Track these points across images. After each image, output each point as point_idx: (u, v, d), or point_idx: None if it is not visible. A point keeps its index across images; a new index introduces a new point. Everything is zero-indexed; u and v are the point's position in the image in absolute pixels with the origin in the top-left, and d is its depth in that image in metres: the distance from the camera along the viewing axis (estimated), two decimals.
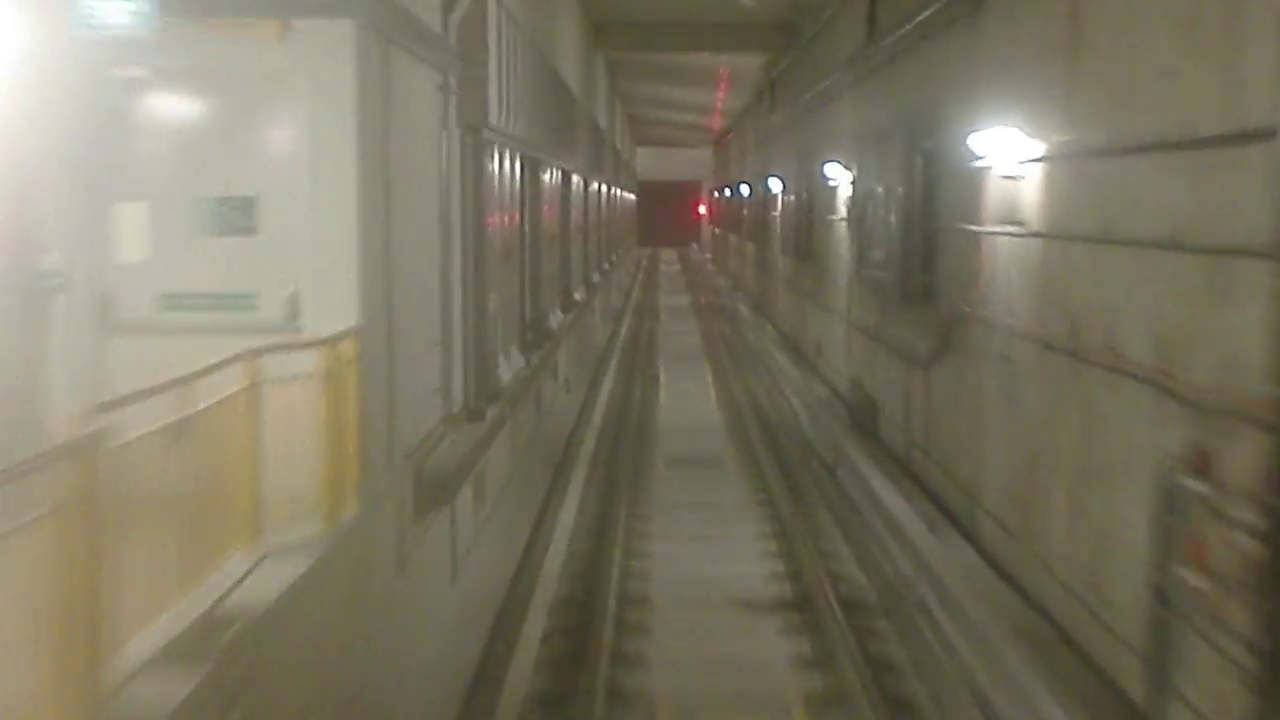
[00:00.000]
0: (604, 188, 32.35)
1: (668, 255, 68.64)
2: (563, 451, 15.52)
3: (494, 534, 11.09)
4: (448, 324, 9.45)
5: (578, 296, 22.11)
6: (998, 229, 10.34)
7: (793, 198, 25.83)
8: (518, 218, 13.49)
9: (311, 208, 6.79)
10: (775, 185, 29.75)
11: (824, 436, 16.54)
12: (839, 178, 19.44)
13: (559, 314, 18.44)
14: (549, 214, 17.22)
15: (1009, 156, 9.89)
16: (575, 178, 21.82)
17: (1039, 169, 9.29)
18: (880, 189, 15.06)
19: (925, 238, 13.01)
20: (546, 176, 16.61)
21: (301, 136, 6.78)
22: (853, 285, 17.87)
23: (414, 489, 7.96)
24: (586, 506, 12.66)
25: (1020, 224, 9.73)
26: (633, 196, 56.02)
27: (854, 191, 18.05)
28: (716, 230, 62.16)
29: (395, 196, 7.63)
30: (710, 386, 21.36)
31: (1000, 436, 10.30)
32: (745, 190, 40.79)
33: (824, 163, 20.47)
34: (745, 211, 40.91)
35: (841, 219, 19.30)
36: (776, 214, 29.76)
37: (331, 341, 6.33)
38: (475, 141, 10.20)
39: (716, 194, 61.02)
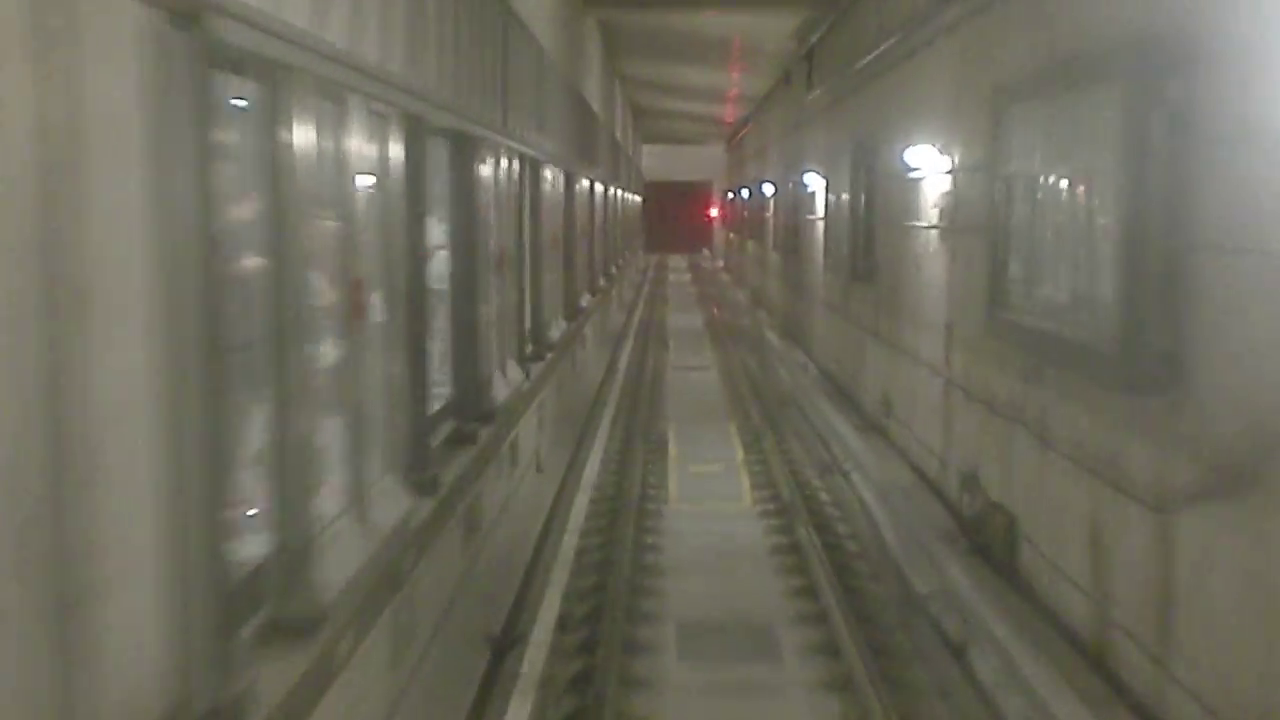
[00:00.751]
0: (599, 187, 26.20)
1: (676, 263, 62.28)
2: (509, 610, 9.44)
3: None
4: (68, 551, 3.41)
5: (555, 335, 16.05)
6: None
7: (840, 197, 19.76)
8: (410, 232, 7.39)
9: None
10: (813, 182, 23.67)
11: (927, 569, 10.47)
12: (925, 166, 13.39)
13: (516, 370, 12.37)
14: (496, 223, 11.15)
15: None
16: (549, 171, 15.75)
17: None
18: (1044, 178, 8.98)
19: (1164, 265, 6.93)
20: (487, 165, 10.53)
21: None
22: (960, 328, 11.78)
23: None
24: None
25: None
26: (638, 199, 49.94)
27: (956, 184, 11.99)
28: (731, 235, 56.02)
29: None
30: (740, 467, 15.17)
31: None
32: (768, 189, 34.68)
33: (900, 147, 14.41)
34: (768, 214, 34.80)
35: (928, 226, 13.22)
36: (815, 218, 23.66)
37: None
38: (202, 48, 4.13)
39: (731, 195, 54.88)
